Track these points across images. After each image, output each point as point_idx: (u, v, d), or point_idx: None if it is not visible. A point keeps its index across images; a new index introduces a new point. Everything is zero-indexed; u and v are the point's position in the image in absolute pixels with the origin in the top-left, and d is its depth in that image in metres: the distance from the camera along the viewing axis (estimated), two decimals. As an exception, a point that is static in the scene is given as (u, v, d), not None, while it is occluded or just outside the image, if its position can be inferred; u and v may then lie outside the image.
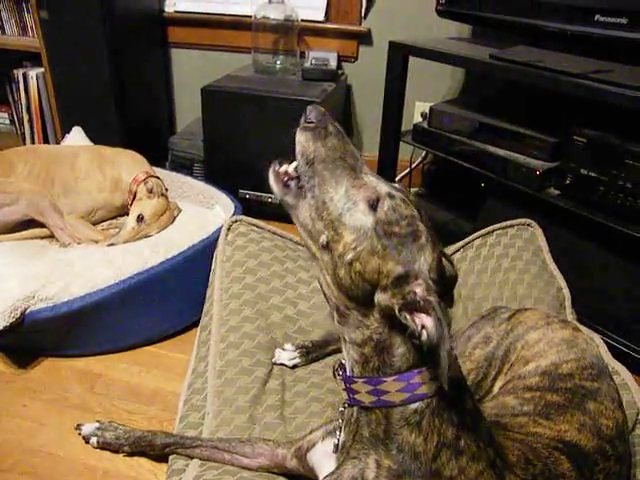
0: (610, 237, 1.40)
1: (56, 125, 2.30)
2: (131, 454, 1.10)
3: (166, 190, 1.77)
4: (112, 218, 1.82)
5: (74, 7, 1.99)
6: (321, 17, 2.24)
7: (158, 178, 1.77)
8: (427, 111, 1.83)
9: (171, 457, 1.01)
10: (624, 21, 1.33)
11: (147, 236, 1.63)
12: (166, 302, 1.44)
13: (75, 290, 1.33)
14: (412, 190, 2.27)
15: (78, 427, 1.14)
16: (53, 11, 2.02)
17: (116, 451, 1.11)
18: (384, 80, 1.77)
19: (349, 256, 0.62)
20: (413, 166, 2.25)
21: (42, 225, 1.65)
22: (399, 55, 1.71)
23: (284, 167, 0.71)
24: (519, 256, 1.34)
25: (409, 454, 0.63)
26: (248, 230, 1.34)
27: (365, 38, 2.24)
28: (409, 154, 2.18)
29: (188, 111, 2.54)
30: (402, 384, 0.63)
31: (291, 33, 2.16)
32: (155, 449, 1.05)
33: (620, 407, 0.82)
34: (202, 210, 1.81)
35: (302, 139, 0.68)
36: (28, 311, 1.27)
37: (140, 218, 1.62)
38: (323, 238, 0.64)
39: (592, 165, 1.38)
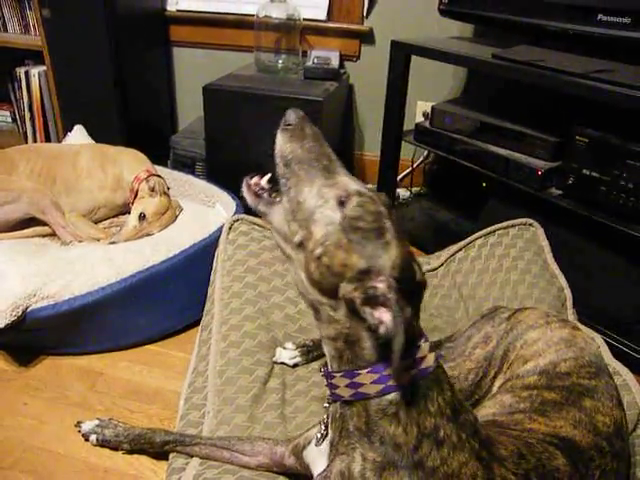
0: (611, 237, 1.40)
1: (58, 123, 2.30)
2: (131, 452, 1.10)
3: (168, 189, 1.77)
4: (114, 216, 1.83)
5: (76, 5, 1.99)
6: (323, 16, 2.24)
7: (160, 177, 1.77)
8: (429, 110, 1.83)
9: (171, 455, 1.01)
10: (627, 20, 1.32)
11: (149, 234, 1.63)
12: (167, 301, 1.45)
13: (76, 288, 1.33)
14: (414, 190, 2.27)
15: (78, 424, 1.14)
16: (55, 9, 2.02)
17: (116, 449, 1.11)
18: (386, 79, 1.78)
19: (318, 250, 0.65)
20: (415, 165, 2.25)
21: (43, 223, 1.65)
22: (401, 54, 1.71)
23: (255, 179, 0.75)
24: (520, 256, 1.34)
25: (391, 445, 0.64)
26: (249, 229, 1.34)
27: (367, 37, 2.24)
28: (411, 153, 2.18)
29: (190, 110, 2.54)
30: (375, 376, 0.65)
31: (293, 32, 2.16)
32: (155, 447, 1.05)
33: (619, 405, 0.82)
34: (203, 209, 1.81)
35: (281, 141, 0.72)
36: (29, 309, 1.27)
37: (142, 216, 1.62)
38: (297, 237, 0.67)
39: (594, 165, 1.38)
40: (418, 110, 2.19)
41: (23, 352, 1.37)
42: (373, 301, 0.61)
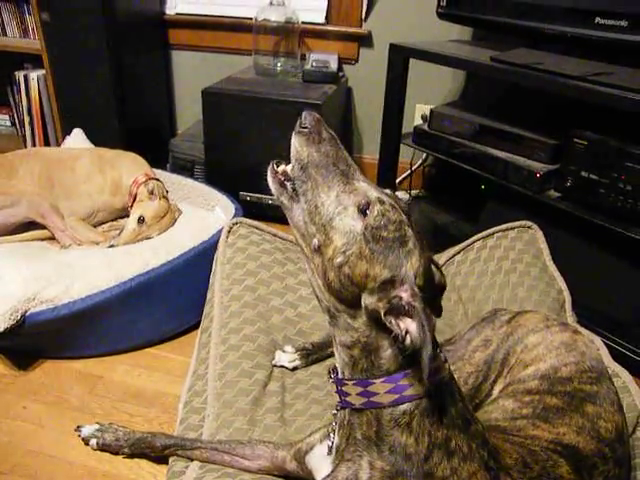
0: (610, 239, 1.40)
1: (57, 127, 2.30)
2: (131, 456, 1.10)
3: (167, 192, 1.77)
4: (113, 220, 1.83)
5: (75, 9, 2.00)
6: (322, 19, 2.25)
7: (159, 180, 1.77)
8: (428, 113, 1.84)
9: (171, 459, 1.01)
10: (624, 24, 1.33)
11: (148, 238, 1.63)
12: (167, 304, 1.45)
13: (76, 292, 1.33)
14: (413, 192, 2.27)
15: (78, 429, 1.14)
16: (54, 13, 2.03)
17: (116, 453, 1.11)
18: (385, 82, 1.78)
19: (338, 260, 0.64)
20: (414, 168, 2.25)
21: (43, 227, 1.65)
22: (399, 57, 1.72)
23: (282, 167, 0.72)
24: (519, 258, 1.34)
25: (401, 455, 0.64)
26: (248, 232, 1.34)
27: (366, 40, 2.24)
28: (410, 156, 2.18)
29: (189, 113, 2.54)
30: (390, 385, 0.64)
31: (292, 35, 2.17)
32: (155, 451, 1.05)
33: (620, 410, 0.82)
34: (203, 212, 1.81)
35: (297, 144, 0.69)
36: (28, 313, 1.27)
37: (141, 220, 1.63)
38: (315, 242, 0.66)
39: (592, 167, 1.38)
40: (417, 113, 2.19)
41: (22, 356, 1.37)
42: (398, 311, 0.60)
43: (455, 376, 0.91)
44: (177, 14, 2.39)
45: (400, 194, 2.25)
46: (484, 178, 1.66)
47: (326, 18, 2.25)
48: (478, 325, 1.01)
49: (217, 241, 1.34)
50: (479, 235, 1.44)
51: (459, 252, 1.45)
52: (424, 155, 2.23)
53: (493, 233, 1.42)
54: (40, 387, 1.30)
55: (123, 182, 1.76)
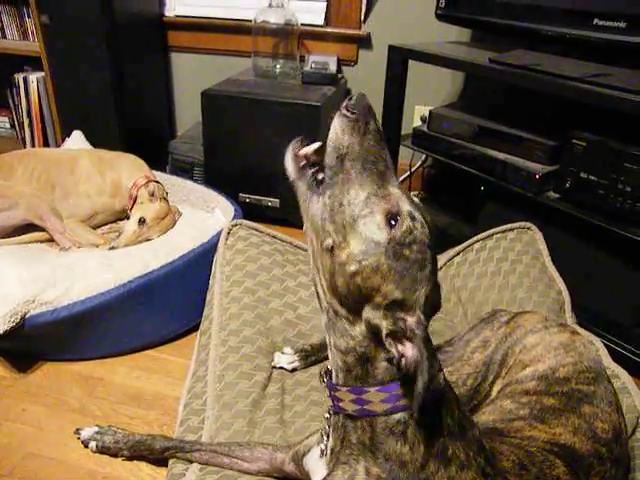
0: (609, 240, 1.40)
1: (56, 129, 2.30)
2: (130, 458, 1.10)
3: (167, 194, 1.77)
4: (112, 222, 1.82)
5: (74, 12, 2.00)
6: (321, 21, 2.25)
7: (158, 182, 1.77)
8: (427, 115, 1.84)
9: (170, 461, 1.01)
10: (622, 25, 1.33)
11: (148, 239, 1.63)
12: (166, 306, 1.45)
13: (75, 294, 1.33)
14: (412, 194, 2.27)
15: (77, 431, 1.14)
16: (54, 16, 2.03)
17: (115, 455, 1.10)
18: (384, 84, 1.78)
19: (352, 268, 0.59)
20: (413, 170, 2.26)
21: (42, 229, 1.65)
22: (398, 59, 1.72)
23: (305, 150, 0.65)
24: (519, 259, 1.34)
25: (396, 463, 0.63)
26: (248, 234, 1.34)
27: (365, 42, 2.25)
28: (409, 158, 2.18)
29: (188, 115, 2.55)
30: (385, 395, 0.63)
31: (291, 37, 2.17)
32: (154, 453, 1.05)
33: (618, 410, 0.82)
34: (202, 214, 1.81)
35: (339, 128, 0.61)
36: (28, 315, 1.27)
37: (142, 221, 1.63)
38: (329, 241, 0.60)
39: (591, 168, 1.38)
40: (416, 114, 2.19)
41: (22, 358, 1.37)
42: (400, 334, 0.58)
43: (454, 377, 0.92)
44: (176, 16, 2.39)
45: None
46: (483, 179, 1.66)
47: (325, 20, 2.25)
48: (477, 326, 1.01)
49: (216, 243, 1.34)
50: (478, 236, 1.44)
51: (458, 253, 1.45)
52: (423, 156, 2.24)
53: (492, 234, 1.42)
54: (40, 389, 1.30)
55: (123, 184, 1.76)
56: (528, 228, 1.40)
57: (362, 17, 2.21)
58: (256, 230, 1.36)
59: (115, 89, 2.13)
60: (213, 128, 1.99)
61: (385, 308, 0.59)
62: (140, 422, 1.22)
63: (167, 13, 2.39)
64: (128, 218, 1.81)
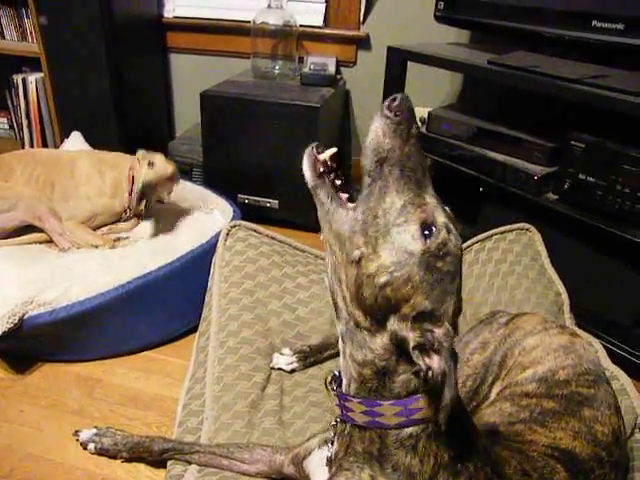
0: (608, 241, 1.41)
1: (55, 130, 2.30)
2: (129, 460, 1.09)
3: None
4: (111, 224, 1.82)
5: (73, 13, 2.00)
6: (320, 22, 2.25)
7: None
8: (426, 116, 1.84)
9: (169, 462, 1.01)
10: (621, 27, 1.33)
11: (160, 201, 1.66)
12: (165, 307, 1.44)
13: (74, 295, 1.33)
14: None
15: (76, 433, 1.14)
16: (52, 17, 2.03)
17: (114, 457, 1.10)
18: (383, 85, 1.78)
19: (382, 279, 0.57)
20: (412, 171, 2.25)
21: (41, 230, 1.64)
22: (397, 60, 1.72)
23: (325, 154, 0.63)
24: (517, 261, 1.34)
25: (405, 474, 0.62)
26: (247, 235, 1.34)
27: (363, 43, 2.25)
28: (408, 159, 2.18)
29: (187, 116, 2.55)
30: (399, 408, 0.61)
31: (290, 38, 2.17)
32: (153, 455, 1.04)
33: (617, 413, 0.82)
34: (201, 215, 1.81)
35: (380, 130, 0.59)
36: (27, 316, 1.27)
37: (151, 164, 1.62)
38: (357, 253, 0.59)
39: (590, 170, 1.39)
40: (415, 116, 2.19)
41: (20, 359, 1.37)
42: (427, 346, 0.56)
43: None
44: (175, 17, 2.39)
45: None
46: (482, 181, 1.66)
47: (324, 21, 2.25)
48: (476, 327, 1.01)
49: (215, 244, 1.34)
50: (477, 237, 1.44)
51: (457, 255, 1.45)
52: (422, 158, 2.23)
53: (491, 235, 1.42)
54: (38, 390, 1.29)
55: (122, 185, 1.75)
56: (527, 229, 1.40)
57: (361, 18, 2.21)
58: (255, 231, 1.35)
59: (114, 90, 2.13)
60: (212, 129, 1.99)
61: (413, 320, 0.57)
62: (139, 423, 1.21)
63: (166, 14, 2.39)
64: (128, 220, 1.81)
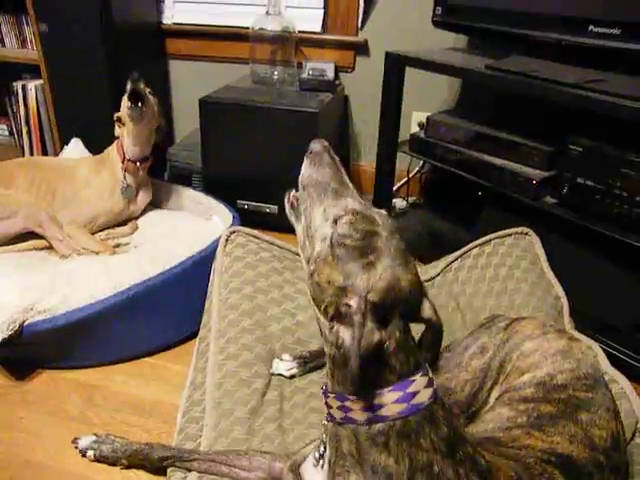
0: (607, 245, 1.41)
1: (55, 137, 2.30)
2: (129, 467, 1.09)
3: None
4: (111, 228, 1.82)
5: (73, 20, 2.01)
6: (318, 28, 2.26)
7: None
8: (424, 121, 1.84)
9: (169, 470, 1.00)
10: (617, 32, 1.34)
11: (158, 129, 1.74)
12: (165, 313, 1.44)
13: (74, 302, 1.32)
14: (410, 200, 2.28)
15: (75, 440, 1.14)
16: (52, 24, 2.04)
17: (113, 464, 1.10)
18: (381, 90, 1.79)
19: (312, 267, 0.69)
20: (411, 176, 2.26)
21: (42, 237, 1.65)
22: (396, 65, 1.73)
23: (294, 192, 0.80)
24: (517, 265, 1.34)
25: (383, 476, 0.63)
26: (246, 241, 1.34)
27: (362, 49, 2.26)
28: (407, 164, 2.19)
29: (186, 122, 2.55)
30: (363, 404, 0.64)
31: (288, 44, 2.18)
32: (153, 462, 1.04)
33: (616, 417, 0.81)
34: (200, 221, 1.81)
35: (303, 167, 0.78)
36: (26, 323, 1.27)
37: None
38: (307, 254, 0.72)
39: (588, 174, 1.39)
40: (413, 120, 2.20)
41: (19, 366, 1.37)
42: (341, 319, 0.62)
43: (452, 383, 0.92)
44: (174, 24, 2.40)
45: (397, 201, 2.25)
46: (481, 185, 1.66)
47: (322, 27, 2.26)
48: (475, 332, 1.01)
49: (215, 250, 1.34)
50: (476, 242, 1.44)
51: (456, 259, 1.45)
52: (421, 162, 2.24)
53: (490, 240, 1.42)
54: (38, 397, 1.29)
55: (118, 179, 1.76)
56: (526, 233, 1.40)
57: (359, 24, 2.22)
58: (254, 237, 1.36)
59: (113, 97, 2.12)
60: (211, 135, 2.00)
61: (333, 295, 0.65)
62: (139, 430, 1.21)
63: (165, 21, 2.40)
64: (127, 223, 1.82)
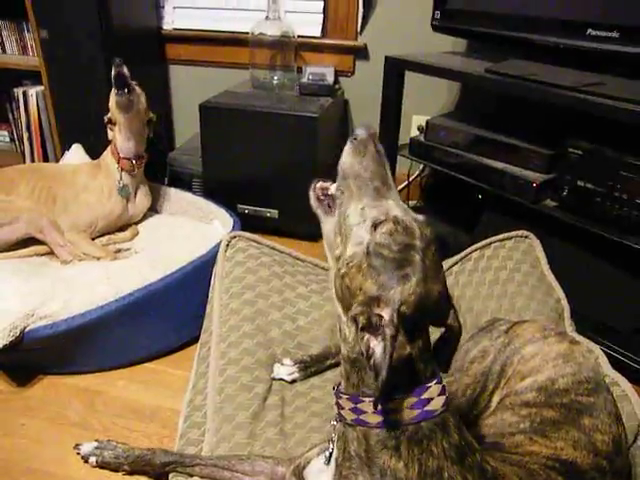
0: (607, 248, 1.41)
1: (56, 143, 2.31)
2: (131, 473, 1.09)
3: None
4: (111, 233, 1.83)
5: (73, 26, 2.02)
6: (318, 33, 2.27)
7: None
8: (424, 124, 1.85)
9: (171, 475, 1.00)
10: (615, 35, 1.34)
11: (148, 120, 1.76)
12: (165, 318, 1.45)
13: (74, 307, 1.33)
14: (410, 203, 2.28)
15: (77, 447, 1.13)
16: (53, 31, 2.05)
17: (116, 470, 1.10)
18: (381, 94, 1.79)
19: (343, 270, 0.67)
20: (411, 179, 2.26)
21: (43, 242, 1.65)
22: (395, 70, 1.73)
23: (321, 183, 0.78)
24: (517, 268, 1.34)
25: (391, 479, 0.63)
26: (247, 246, 1.34)
27: (361, 53, 2.26)
28: (407, 167, 2.19)
29: (187, 127, 2.56)
30: (378, 407, 0.64)
31: (288, 49, 2.19)
32: (155, 468, 1.04)
33: (618, 421, 0.81)
34: (201, 226, 1.81)
35: (344, 153, 0.74)
36: (27, 329, 1.27)
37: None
38: (337, 251, 0.69)
39: (588, 177, 1.39)
40: (413, 124, 2.20)
41: (21, 372, 1.37)
42: (373, 329, 0.61)
43: (454, 388, 0.92)
44: (174, 29, 2.41)
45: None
46: (481, 188, 1.67)
47: (322, 32, 2.27)
48: (476, 335, 1.01)
49: (215, 255, 1.35)
50: (476, 245, 1.44)
51: (457, 262, 1.45)
52: (421, 166, 2.24)
53: (490, 243, 1.42)
54: (39, 403, 1.29)
55: (115, 181, 1.76)
56: (526, 236, 1.40)
57: (358, 28, 2.22)
58: (255, 241, 1.36)
59: (114, 102, 2.13)
60: (211, 140, 2.00)
61: (363, 305, 0.63)
62: (140, 435, 1.21)
63: (165, 26, 2.41)
64: (128, 226, 1.82)
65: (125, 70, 1.65)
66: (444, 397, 0.66)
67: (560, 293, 1.30)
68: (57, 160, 2.26)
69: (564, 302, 1.28)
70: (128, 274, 1.45)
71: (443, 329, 0.81)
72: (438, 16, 1.76)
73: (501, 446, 0.77)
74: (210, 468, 0.95)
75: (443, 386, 0.67)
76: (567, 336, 0.96)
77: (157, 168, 2.18)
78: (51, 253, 1.67)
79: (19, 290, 1.35)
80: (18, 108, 2.41)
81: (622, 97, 1.25)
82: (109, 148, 1.79)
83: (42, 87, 2.24)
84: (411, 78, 1.77)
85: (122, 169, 1.75)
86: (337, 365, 1.14)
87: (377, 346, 0.60)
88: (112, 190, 1.76)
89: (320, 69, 2.15)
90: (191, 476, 0.98)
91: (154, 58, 2.42)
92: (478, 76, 1.53)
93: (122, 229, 1.83)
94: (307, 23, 2.25)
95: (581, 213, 1.43)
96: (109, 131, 1.78)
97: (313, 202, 0.76)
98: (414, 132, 2.15)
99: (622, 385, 1.04)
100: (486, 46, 1.92)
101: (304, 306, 1.30)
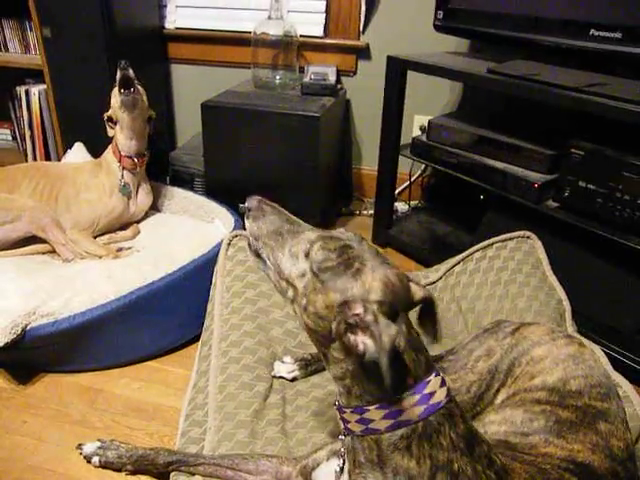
0: (608, 248, 1.41)
1: (58, 141, 2.31)
2: (134, 472, 1.09)
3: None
4: (113, 232, 1.83)
5: (76, 25, 2.02)
6: (320, 32, 2.27)
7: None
8: (426, 124, 1.85)
9: (172, 474, 1.00)
10: (618, 35, 1.34)
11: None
12: (167, 317, 1.45)
13: (76, 306, 1.33)
14: (412, 203, 2.28)
15: (79, 447, 1.13)
16: (55, 29, 2.05)
17: (118, 470, 1.10)
18: (383, 94, 1.79)
19: (303, 302, 0.70)
20: (412, 179, 2.26)
21: (44, 241, 1.65)
22: (397, 69, 1.73)
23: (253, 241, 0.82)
24: (519, 269, 1.34)
25: (405, 477, 0.64)
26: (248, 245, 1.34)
27: (364, 53, 2.26)
28: (408, 167, 2.19)
29: (189, 126, 2.56)
30: (385, 411, 0.65)
31: (290, 48, 2.19)
32: (158, 467, 1.04)
33: (628, 428, 0.82)
34: (202, 225, 1.82)
35: (247, 224, 0.81)
36: (29, 327, 1.27)
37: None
38: (289, 294, 0.73)
39: (590, 177, 1.39)
40: (415, 124, 2.20)
41: (22, 370, 1.37)
42: (355, 328, 0.63)
43: (458, 384, 0.92)
44: (176, 28, 2.41)
45: (399, 205, 2.26)
46: (483, 188, 1.67)
47: (324, 31, 2.27)
48: (481, 336, 1.01)
49: (217, 254, 1.35)
50: (478, 246, 1.44)
51: (458, 263, 1.46)
52: (423, 166, 2.24)
53: (492, 243, 1.42)
54: (40, 401, 1.29)
55: (117, 178, 1.77)
56: (528, 237, 1.41)
57: (361, 28, 2.22)
58: (256, 240, 1.36)
59: (116, 101, 2.13)
60: (213, 139, 2.00)
61: (338, 315, 0.65)
62: (141, 433, 1.21)
63: (167, 25, 2.41)
64: (127, 227, 1.82)
65: (131, 73, 1.66)
66: (445, 388, 0.67)
67: (562, 294, 1.30)
68: (59, 159, 2.26)
69: (566, 303, 1.29)
70: (129, 273, 1.45)
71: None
72: (440, 16, 1.76)
73: (512, 446, 0.77)
74: (213, 467, 0.95)
75: (442, 377, 0.68)
76: (575, 338, 0.96)
77: (159, 167, 2.19)
78: (53, 251, 1.67)
79: (21, 288, 1.35)
80: (20, 106, 2.41)
81: (625, 98, 1.25)
82: (110, 147, 1.79)
83: (44, 86, 2.24)
84: (413, 78, 1.77)
85: (123, 167, 1.75)
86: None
87: (366, 339, 0.61)
88: (114, 188, 1.76)
89: (322, 69, 2.15)
90: (193, 475, 0.98)
91: (156, 57, 2.43)
92: (480, 76, 1.53)
93: (123, 228, 1.83)
94: (309, 22, 2.25)
95: (583, 214, 1.43)
96: (108, 129, 1.78)
97: (253, 260, 0.81)
98: (416, 132, 2.15)
99: (624, 387, 1.05)
100: (488, 46, 1.92)
101: (306, 305, 1.29)
